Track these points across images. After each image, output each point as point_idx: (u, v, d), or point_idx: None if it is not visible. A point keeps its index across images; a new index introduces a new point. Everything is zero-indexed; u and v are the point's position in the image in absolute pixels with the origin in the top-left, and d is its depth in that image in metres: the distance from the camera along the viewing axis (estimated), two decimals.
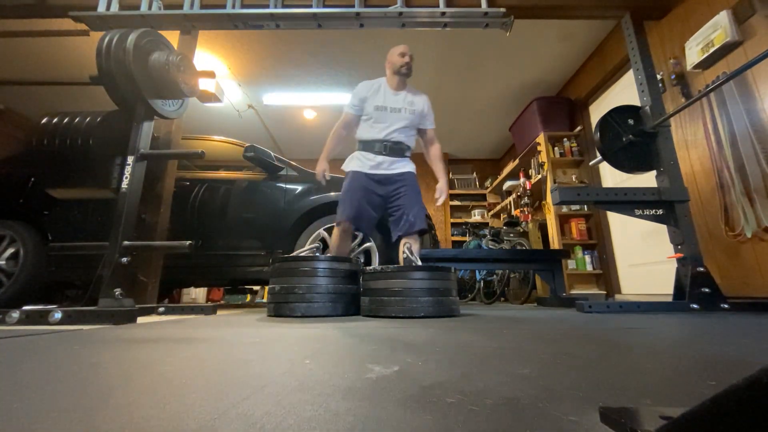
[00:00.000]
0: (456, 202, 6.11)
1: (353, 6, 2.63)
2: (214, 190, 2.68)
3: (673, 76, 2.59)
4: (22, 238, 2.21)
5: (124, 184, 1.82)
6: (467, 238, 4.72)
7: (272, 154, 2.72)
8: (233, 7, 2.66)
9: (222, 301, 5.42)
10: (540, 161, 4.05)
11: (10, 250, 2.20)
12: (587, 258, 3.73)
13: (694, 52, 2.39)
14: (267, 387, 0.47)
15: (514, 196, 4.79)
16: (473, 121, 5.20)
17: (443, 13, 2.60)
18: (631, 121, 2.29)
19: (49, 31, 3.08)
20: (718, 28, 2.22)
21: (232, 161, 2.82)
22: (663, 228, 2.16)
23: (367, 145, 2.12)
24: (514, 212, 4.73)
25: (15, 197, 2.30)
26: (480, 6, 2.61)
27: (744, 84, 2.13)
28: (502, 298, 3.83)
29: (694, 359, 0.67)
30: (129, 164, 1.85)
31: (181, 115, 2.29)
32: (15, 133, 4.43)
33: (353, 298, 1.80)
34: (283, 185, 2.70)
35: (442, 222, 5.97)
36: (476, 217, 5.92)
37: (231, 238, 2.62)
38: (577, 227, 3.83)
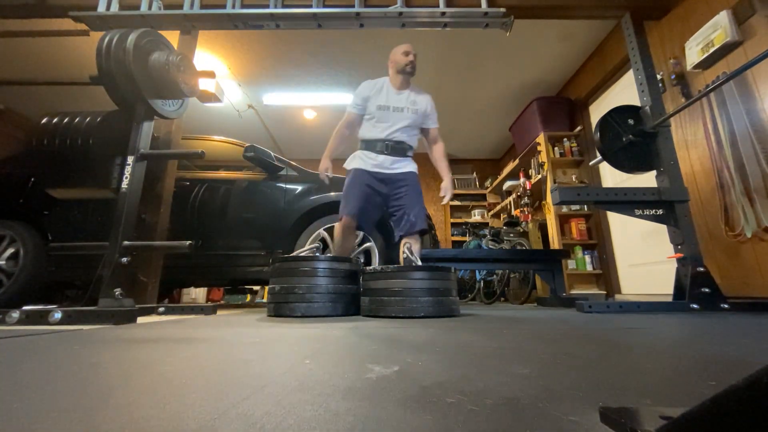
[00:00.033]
0: (456, 202, 6.11)
1: (353, 6, 2.63)
2: (214, 190, 2.68)
3: (673, 76, 2.59)
4: (22, 238, 2.21)
5: (124, 184, 1.82)
6: (467, 238, 4.73)
7: (272, 154, 2.72)
8: (233, 7, 2.66)
9: (222, 301, 5.42)
10: (540, 161, 4.05)
11: (10, 250, 2.20)
12: (587, 258, 3.73)
13: (694, 52, 2.39)
14: (267, 387, 0.47)
15: (514, 196, 4.79)
16: (473, 121, 5.20)
17: (443, 13, 2.60)
18: (631, 121, 2.29)
19: (49, 31, 3.08)
20: (718, 28, 2.22)
21: (232, 161, 2.82)
22: (663, 228, 2.16)
23: (369, 145, 2.12)
24: (514, 212, 4.73)
25: (15, 197, 2.30)
26: (480, 6, 2.61)
27: (744, 84, 2.13)
28: (502, 298, 3.83)
29: (694, 359, 0.67)
30: (129, 164, 1.85)
31: (181, 115, 2.29)
32: (15, 133, 4.43)
33: (353, 298, 1.80)
34: (283, 185, 2.70)
35: (442, 222, 5.97)
36: (476, 217, 5.92)
37: (231, 238, 2.62)
38: (577, 227, 3.83)
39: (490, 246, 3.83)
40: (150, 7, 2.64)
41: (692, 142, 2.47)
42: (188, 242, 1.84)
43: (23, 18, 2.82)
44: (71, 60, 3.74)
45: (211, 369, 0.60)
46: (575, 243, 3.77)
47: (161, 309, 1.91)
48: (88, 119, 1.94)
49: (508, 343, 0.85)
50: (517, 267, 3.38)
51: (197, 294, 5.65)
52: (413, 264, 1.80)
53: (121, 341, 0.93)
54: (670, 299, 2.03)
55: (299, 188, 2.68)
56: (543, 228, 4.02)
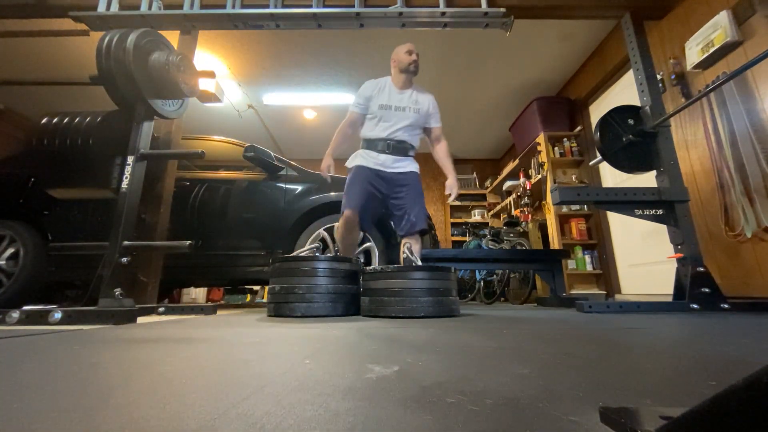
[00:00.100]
0: (456, 202, 6.11)
1: (353, 6, 2.63)
2: (214, 190, 2.68)
3: (673, 76, 2.59)
4: (22, 238, 2.21)
5: (124, 184, 1.82)
6: (467, 238, 4.72)
7: (272, 154, 2.72)
8: (233, 7, 2.66)
9: (222, 301, 5.42)
10: (540, 161, 4.05)
11: (10, 250, 2.20)
12: (587, 258, 3.73)
13: (694, 52, 2.39)
14: (267, 387, 0.47)
15: (514, 196, 4.79)
16: (473, 121, 5.20)
17: (443, 13, 2.60)
18: (631, 121, 2.29)
19: (49, 31, 3.08)
20: (718, 28, 2.22)
21: (232, 161, 2.82)
22: (663, 228, 2.16)
23: (371, 144, 2.12)
24: (514, 212, 4.73)
25: (15, 197, 2.30)
26: (480, 6, 2.61)
27: (744, 84, 2.13)
28: (502, 298, 3.83)
29: (694, 359, 0.67)
30: (129, 164, 1.85)
31: (181, 115, 2.29)
32: (15, 133, 4.44)
33: (353, 298, 1.80)
34: (283, 185, 2.70)
35: (442, 222, 5.97)
36: (476, 217, 5.92)
37: (231, 238, 2.62)
38: (577, 227, 3.83)
39: (490, 246, 3.83)
40: (150, 7, 2.64)
41: (692, 142, 2.47)
42: (188, 242, 1.84)
43: (23, 18, 2.83)
44: (71, 60, 3.75)
45: (211, 369, 0.60)
46: (575, 243, 3.77)
47: (161, 309, 1.91)
48: (88, 119, 1.94)
49: (508, 343, 0.85)
50: (517, 267, 3.38)
51: (197, 294, 5.65)
52: (413, 264, 1.80)
53: (121, 341, 0.93)
54: (670, 299, 2.03)
55: (299, 188, 2.68)
56: (543, 228, 4.02)
